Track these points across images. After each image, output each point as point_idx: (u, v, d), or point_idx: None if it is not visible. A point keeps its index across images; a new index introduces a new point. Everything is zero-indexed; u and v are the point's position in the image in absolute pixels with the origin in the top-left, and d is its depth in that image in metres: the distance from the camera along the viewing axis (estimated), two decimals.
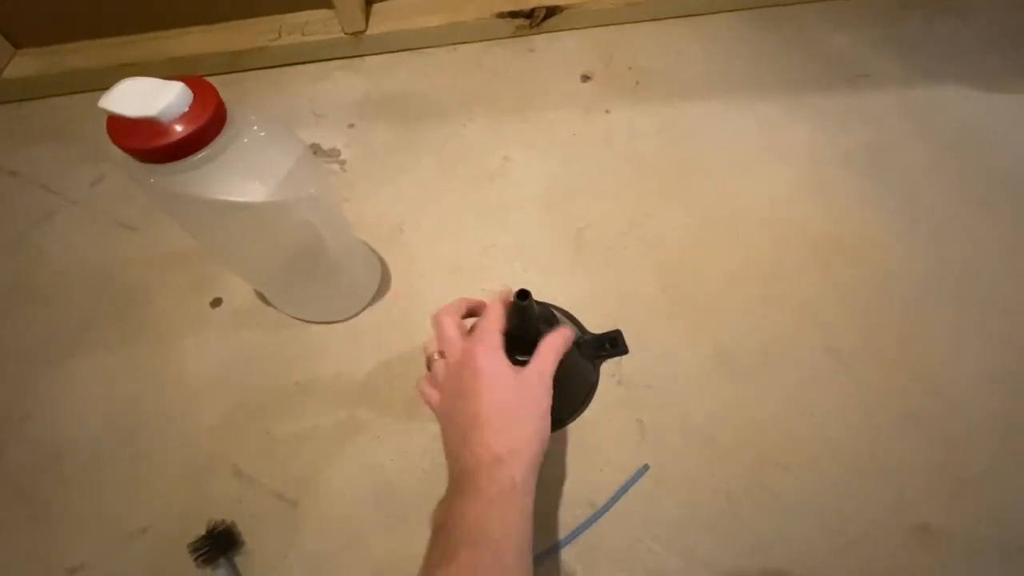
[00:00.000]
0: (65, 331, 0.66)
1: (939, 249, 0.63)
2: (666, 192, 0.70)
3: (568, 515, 0.51)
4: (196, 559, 0.50)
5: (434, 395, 0.45)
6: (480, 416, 0.39)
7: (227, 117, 0.42)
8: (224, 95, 0.42)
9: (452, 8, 0.89)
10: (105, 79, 0.42)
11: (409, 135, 0.80)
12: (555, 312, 0.54)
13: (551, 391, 0.42)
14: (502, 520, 0.37)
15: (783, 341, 0.59)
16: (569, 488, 0.52)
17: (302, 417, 0.58)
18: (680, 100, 0.79)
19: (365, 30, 0.87)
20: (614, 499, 0.51)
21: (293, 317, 0.64)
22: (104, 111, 0.39)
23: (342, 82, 0.88)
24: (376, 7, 0.90)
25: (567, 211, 0.70)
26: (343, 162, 0.77)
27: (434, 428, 0.54)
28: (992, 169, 0.69)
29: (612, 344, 0.59)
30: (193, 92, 0.40)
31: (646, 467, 0.53)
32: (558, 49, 0.88)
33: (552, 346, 0.43)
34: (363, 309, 0.64)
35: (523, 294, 0.44)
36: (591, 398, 0.57)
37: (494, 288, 0.64)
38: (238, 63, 0.89)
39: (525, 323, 0.45)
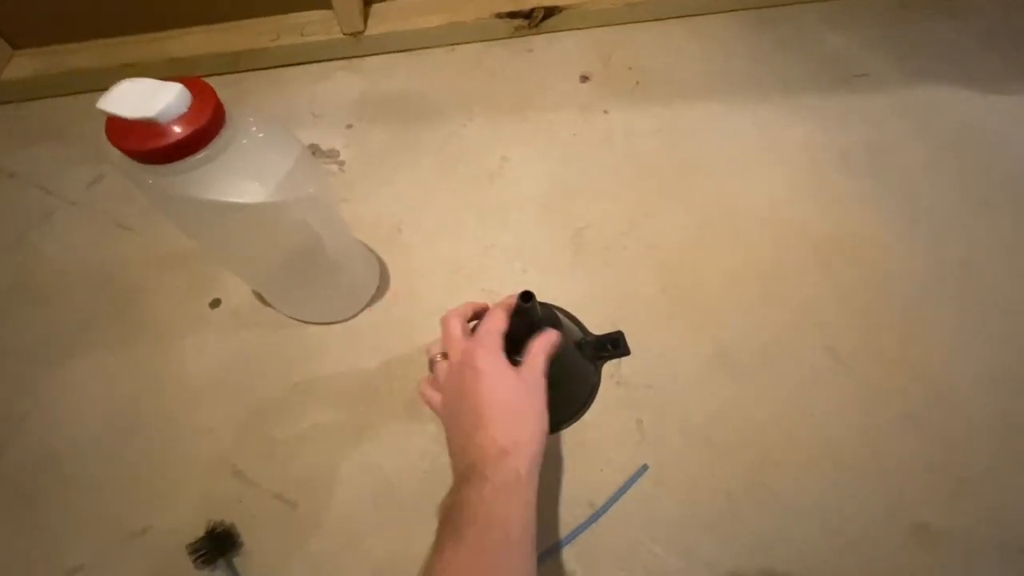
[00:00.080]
0: (64, 331, 0.66)
1: (939, 249, 0.63)
2: (665, 192, 0.70)
3: (568, 515, 0.51)
4: (195, 560, 0.49)
5: (435, 397, 0.46)
6: (484, 414, 0.41)
7: (226, 118, 0.42)
8: (223, 96, 0.42)
9: (451, 8, 0.89)
10: (104, 80, 0.42)
11: (408, 135, 0.80)
12: (558, 314, 0.54)
13: (545, 388, 0.43)
14: (507, 505, 0.38)
15: (783, 341, 0.59)
16: (569, 488, 0.52)
17: (301, 418, 0.58)
18: (679, 100, 0.79)
19: (364, 31, 0.87)
20: (614, 499, 0.51)
21: (292, 318, 0.64)
22: (103, 112, 0.39)
23: (341, 83, 0.88)
24: (375, 8, 0.90)
25: (566, 211, 0.70)
26: (342, 163, 0.77)
27: (433, 429, 0.54)
28: (992, 169, 0.69)
29: (614, 345, 0.59)
30: (192, 93, 0.40)
31: (645, 467, 0.53)
32: (557, 49, 0.88)
33: (541, 346, 0.44)
34: (362, 309, 0.64)
35: (526, 296, 0.44)
36: (593, 399, 0.56)
37: (494, 288, 0.64)
38: (237, 64, 0.89)
39: (528, 325, 0.46)
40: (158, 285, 0.68)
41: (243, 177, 0.43)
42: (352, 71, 0.89)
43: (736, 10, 0.89)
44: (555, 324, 0.48)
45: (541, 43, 0.89)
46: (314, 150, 0.78)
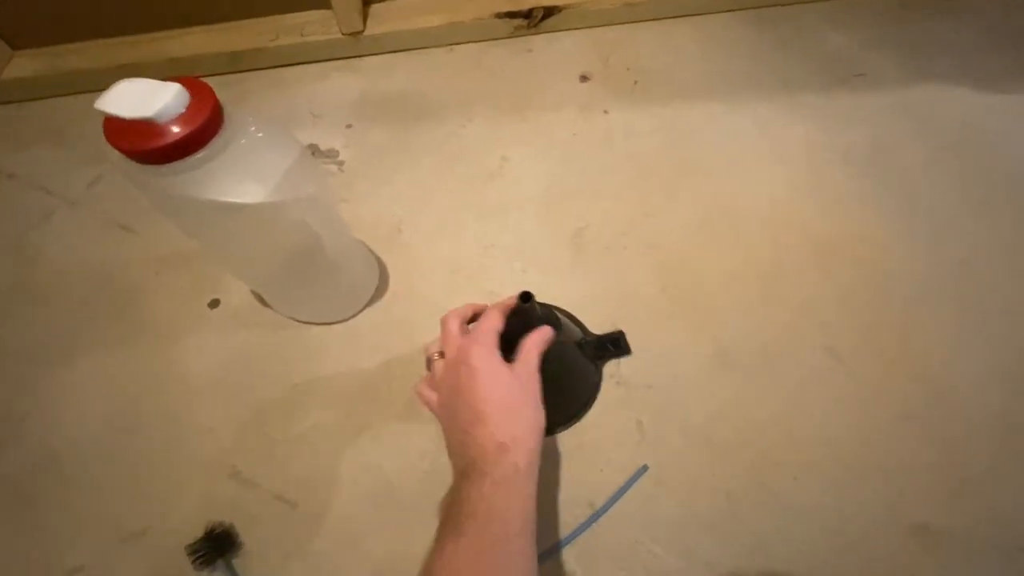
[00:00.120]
0: (64, 332, 0.66)
1: (939, 249, 0.63)
2: (665, 192, 0.70)
3: (568, 515, 0.51)
4: (194, 561, 0.49)
5: (432, 396, 0.47)
6: (480, 411, 0.41)
7: (224, 118, 0.42)
8: (222, 96, 0.42)
9: (450, 8, 0.89)
10: (104, 80, 0.42)
11: (407, 135, 0.80)
12: (558, 314, 0.54)
13: (539, 383, 0.44)
14: (507, 499, 0.39)
15: (783, 341, 0.59)
16: (569, 489, 0.52)
17: (301, 418, 0.58)
18: (679, 100, 0.79)
19: (363, 31, 0.87)
20: (614, 499, 0.51)
21: (291, 318, 0.64)
22: (102, 112, 0.39)
23: (340, 83, 0.87)
24: (374, 8, 0.90)
25: (566, 211, 0.70)
26: (341, 163, 0.77)
27: (433, 429, 0.54)
28: (992, 169, 0.69)
29: (614, 345, 0.59)
30: (190, 93, 0.40)
31: (645, 468, 0.53)
32: (556, 49, 0.88)
33: (534, 342, 0.45)
34: (362, 310, 0.64)
35: (525, 296, 0.45)
36: (594, 398, 0.57)
37: (494, 288, 0.64)
38: (236, 64, 0.89)
39: (525, 325, 0.46)
40: (158, 285, 0.68)
41: (242, 177, 0.43)
42: (351, 71, 0.89)
43: (735, 10, 0.89)
44: (554, 324, 0.48)
45: (540, 43, 0.89)
46: (313, 150, 0.78)
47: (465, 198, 0.72)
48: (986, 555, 0.48)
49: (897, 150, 0.71)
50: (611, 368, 0.58)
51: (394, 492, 0.53)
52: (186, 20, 0.89)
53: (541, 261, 0.66)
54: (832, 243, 0.64)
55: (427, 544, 0.39)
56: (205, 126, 0.40)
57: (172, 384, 0.61)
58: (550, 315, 0.51)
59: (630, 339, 0.59)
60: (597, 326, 0.60)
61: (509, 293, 0.47)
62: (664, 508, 0.51)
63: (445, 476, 0.42)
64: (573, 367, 0.55)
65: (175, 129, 0.39)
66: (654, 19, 0.90)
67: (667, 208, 0.69)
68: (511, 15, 0.88)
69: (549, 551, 0.49)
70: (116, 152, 0.40)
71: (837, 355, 0.57)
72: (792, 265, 0.63)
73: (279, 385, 0.60)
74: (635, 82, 0.82)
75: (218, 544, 0.50)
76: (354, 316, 0.64)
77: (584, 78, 0.84)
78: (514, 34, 0.90)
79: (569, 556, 0.49)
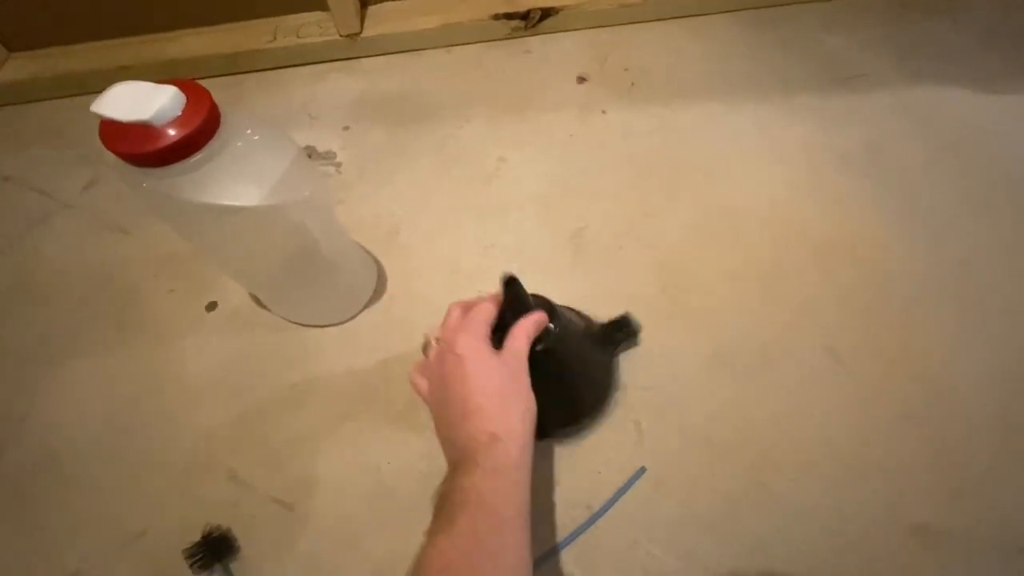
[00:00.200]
0: (62, 333, 0.65)
1: (939, 249, 0.63)
2: (664, 192, 0.70)
3: (566, 517, 0.51)
4: (191, 565, 0.49)
5: (423, 384, 0.47)
6: (470, 400, 0.41)
7: (221, 120, 0.42)
8: (219, 97, 0.42)
9: (447, 10, 0.89)
10: (101, 82, 0.42)
11: (405, 137, 0.79)
12: (556, 305, 0.52)
13: (527, 369, 0.44)
14: (498, 489, 0.39)
15: (782, 341, 0.58)
16: (567, 490, 0.52)
17: (299, 420, 0.58)
18: (677, 101, 0.79)
19: (360, 32, 0.87)
20: (612, 501, 0.51)
21: (289, 320, 0.63)
22: (97, 115, 0.39)
23: (337, 84, 0.87)
24: (371, 9, 0.90)
25: (565, 212, 0.70)
26: (339, 164, 0.77)
27: (432, 430, 0.54)
28: (992, 169, 0.69)
29: (620, 327, 0.58)
30: (186, 96, 0.40)
31: (643, 469, 0.52)
32: (554, 50, 0.88)
33: (523, 328, 0.45)
34: (360, 311, 0.64)
35: (509, 280, 0.45)
36: (609, 393, 0.55)
37: (492, 289, 0.63)
38: (233, 65, 0.89)
39: (517, 312, 0.46)
40: (156, 288, 0.68)
41: (238, 180, 0.43)
42: (349, 72, 0.89)
43: (734, 11, 0.89)
44: (549, 312, 0.48)
45: (538, 44, 0.89)
46: (311, 152, 0.78)
47: (463, 199, 0.72)
48: (986, 555, 0.48)
49: (897, 150, 0.71)
50: None
51: (393, 494, 0.53)
52: (183, 22, 0.89)
53: (540, 261, 0.66)
54: (832, 243, 0.64)
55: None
56: (201, 129, 0.40)
57: (170, 386, 0.61)
58: (546, 305, 0.50)
59: None
60: None
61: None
62: (663, 509, 0.51)
63: (443, 478, 0.42)
64: (584, 357, 0.54)
65: (171, 132, 0.39)
66: (652, 20, 0.90)
67: (666, 208, 0.69)
68: (509, 16, 0.88)
69: (548, 553, 0.49)
70: (112, 155, 0.40)
71: (837, 355, 0.57)
72: (792, 265, 0.63)
73: (277, 387, 0.60)
74: (632, 83, 0.82)
75: (215, 547, 0.50)
76: (352, 318, 0.63)
77: (582, 79, 0.84)
78: (512, 35, 0.90)
79: (568, 558, 0.49)
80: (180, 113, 0.39)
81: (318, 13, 0.89)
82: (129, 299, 0.67)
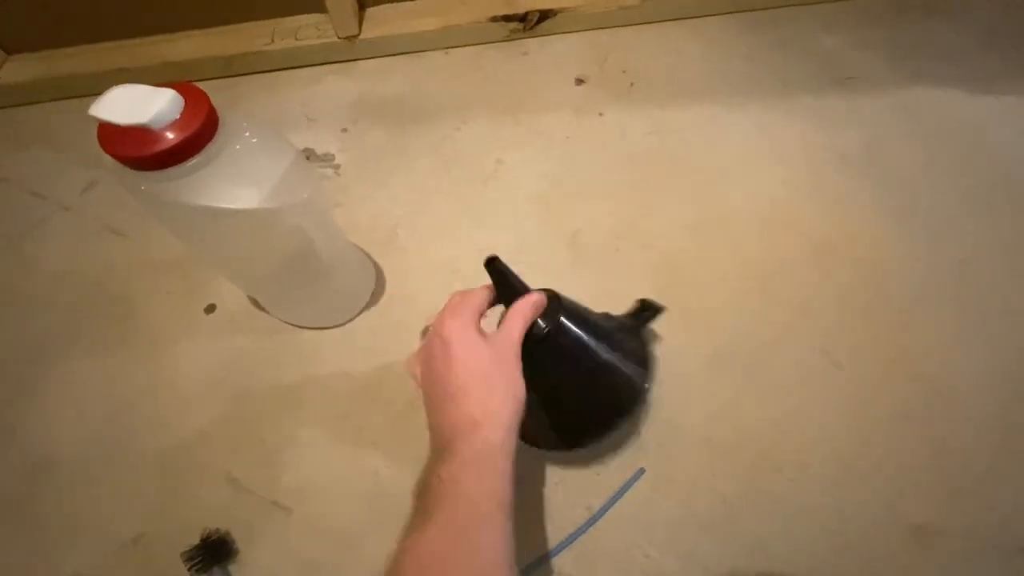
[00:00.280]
0: (59, 336, 0.65)
1: (939, 249, 0.63)
2: (661, 193, 0.70)
3: (564, 520, 0.51)
4: (190, 569, 0.49)
5: (417, 370, 0.45)
6: (453, 384, 0.40)
7: (219, 123, 0.42)
8: (217, 100, 0.42)
9: (445, 12, 0.89)
10: (98, 84, 0.42)
11: (403, 139, 0.79)
12: (563, 297, 0.48)
13: (520, 356, 0.42)
14: (478, 479, 0.37)
15: (782, 341, 0.58)
16: (565, 492, 0.52)
17: (296, 423, 0.58)
18: (675, 102, 0.79)
19: (358, 34, 0.87)
20: (611, 503, 0.51)
21: (287, 323, 0.63)
22: (95, 118, 0.39)
23: (336, 86, 0.87)
24: (369, 11, 0.90)
25: (563, 213, 0.70)
26: (337, 166, 0.77)
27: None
28: (991, 169, 0.69)
29: (644, 308, 0.55)
30: (184, 99, 0.40)
31: (642, 471, 0.52)
32: (552, 52, 0.88)
33: (518, 310, 0.43)
34: (358, 314, 0.64)
35: (490, 260, 0.44)
36: (651, 375, 0.50)
37: None
38: (231, 67, 0.89)
39: (507, 293, 0.45)
40: (153, 291, 0.68)
41: (236, 183, 0.42)
42: (347, 75, 0.89)
43: (731, 12, 0.89)
44: (554, 301, 0.46)
45: (536, 46, 0.89)
46: (309, 154, 0.78)
47: (461, 201, 0.72)
48: (986, 555, 0.48)
49: (896, 150, 0.71)
50: None
51: (391, 496, 0.53)
52: (181, 24, 0.89)
53: (538, 263, 0.66)
54: (831, 243, 0.64)
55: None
56: (199, 132, 0.40)
57: (167, 389, 0.61)
58: (551, 296, 0.47)
59: None
60: None
61: None
62: (663, 510, 0.51)
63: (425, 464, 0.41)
64: (610, 345, 0.49)
65: (169, 135, 0.39)
66: (649, 22, 0.90)
67: (665, 209, 0.69)
68: (507, 18, 0.88)
69: (546, 555, 0.49)
70: (110, 158, 0.40)
71: (836, 355, 0.57)
72: (791, 265, 0.63)
73: (275, 389, 0.60)
74: (631, 84, 0.82)
75: (214, 550, 0.50)
76: (350, 320, 0.63)
77: (580, 81, 0.84)
78: (510, 37, 0.90)
79: (567, 560, 0.49)
80: (178, 116, 0.39)
81: (316, 15, 0.89)
82: (127, 302, 0.67)
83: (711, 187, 0.70)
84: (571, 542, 0.50)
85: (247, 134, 0.44)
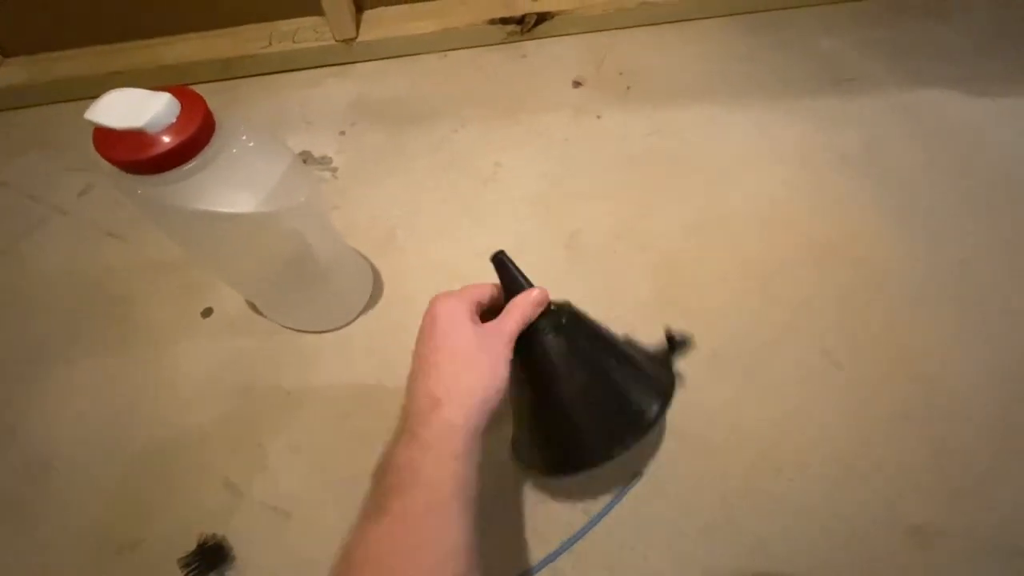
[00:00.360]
0: (56, 340, 0.65)
1: (939, 249, 0.63)
2: (660, 195, 0.70)
3: (562, 524, 0.50)
4: (187, 574, 0.49)
5: None
6: (429, 359, 0.39)
7: (215, 127, 0.42)
8: (214, 103, 0.42)
9: (443, 15, 0.89)
10: (95, 87, 0.42)
11: (401, 141, 0.79)
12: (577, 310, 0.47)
13: (511, 349, 0.41)
14: (437, 464, 0.36)
15: (781, 342, 0.58)
16: (563, 497, 0.52)
17: (295, 427, 0.57)
18: (672, 104, 0.79)
19: (356, 37, 0.87)
20: (609, 506, 0.51)
21: (285, 326, 0.63)
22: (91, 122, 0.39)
23: (333, 89, 0.87)
24: (367, 14, 0.90)
25: (561, 214, 0.70)
26: (334, 169, 0.77)
27: None
28: (991, 169, 0.69)
29: (674, 344, 0.52)
30: (181, 102, 0.40)
31: (639, 474, 0.52)
32: (549, 55, 0.88)
33: (518, 306, 0.42)
34: (356, 317, 0.63)
35: (496, 256, 0.44)
36: (670, 394, 0.46)
37: None
38: (229, 70, 0.89)
39: (509, 288, 0.44)
40: (150, 294, 0.67)
41: (233, 187, 0.42)
42: (344, 77, 0.89)
43: (729, 14, 0.89)
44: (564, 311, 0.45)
45: (533, 48, 0.89)
46: (306, 157, 0.78)
47: (459, 203, 0.72)
48: (986, 555, 0.48)
49: (896, 151, 0.71)
50: None
51: None
52: (178, 27, 0.88)
53: (537, 264, 0.64)
54: (831, 243, 0.64)
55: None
56: (195, 136, 0.40)
57: (164, 393, 0.61)
58: (566, 308, 0.46)
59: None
60: None
61: None
62: (661, 512, 0.51)
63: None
64: (624, 358, 0.47)
65: (165, 139, 0.39)
66: (647, 24, 0.89)
67: (664, 210, 0.69)
68: (504, 21, 0.88)
69: (544, 560, 0.49)
70: (106, 162, 0.40)
71: (836, 355, 0.57)
72: (791, 265, 0.63)
73: (273, 394, 0.59)
74: (628, 87, 0.82)
75: (211, 556, 0.50)
76: (348, 323, 0.63)
77: (577, 83, 0.84)
78: (507, 40, 0.90)
79: (566, 564, 0.49)
80: (174, 120, 0.39)
81: (314, 18, 0.88)
82: (124, 306, 0.67)
83: (711, 187, 0.70)
84: (569, 546, 0.49)
85: (244, 138, 0.43)
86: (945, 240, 0.64)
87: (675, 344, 0.52)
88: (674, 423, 0.55)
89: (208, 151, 0.41)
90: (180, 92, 0.41)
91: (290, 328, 0.63)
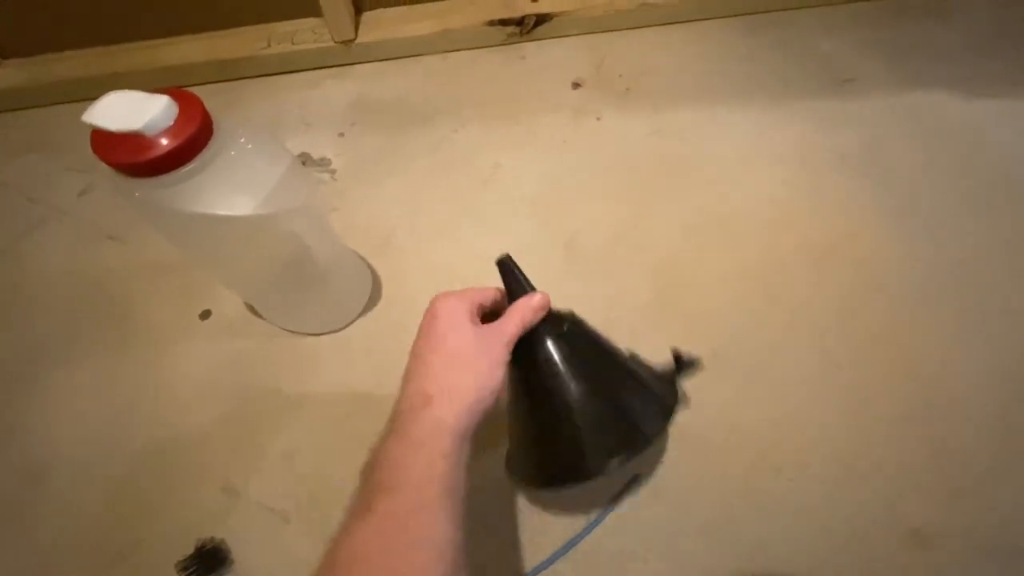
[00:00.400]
0: (53, 342, 0.65)
1: (938, 249, 0.63)
2: (659, 196, 0.70)
3: (561, 528, 0.50)
4: None
5: None
6: (425, 357, 0.40)
7: (214, 129, 0.42)
8: (213, 104, 0.42)
9: (442, 16, 0.89)
10: (94, 89, 0.42)
11: (400, 143, 0.79)
12: (582, 320, 0.47)
13: (508, 352, 0.41)
14: (426, 464, 0.35)
15: (781, 342, 0.58)
16: (561, 500, 0.52)
17: (293, 429, 0.57)
18: (672, 105, 0.79)
19: (355, 38, 0.87)
20: (608, 509, 0.51)
21: (284, 328, 0.63)
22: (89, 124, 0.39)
23: (332, 90, 0.87)
24: (366, 15, 0.90)
25: (560, 216, 0.69)
26: (333, 171, 0.77)
27: None
28: (991, 169, 0.69)
29: (681, 364, 0.51)
30: (179, 105, 0.40)
31: (637, 476, 0.52)
32: (548, 56, 0.88)
33: (518, 310, 0.42)
34: (355, 319, 0.63)
35: (502, 259, 0.44)
36: (667, 417, 0.46)
37: None
38: (227, 72, 0.89)
39: (511, 292, 0.44)
40: (149, 296, 0.67)
41: (231, 189, 0.42)
42: (343, 79, 0.89)
43: (728, 16, 0.89)
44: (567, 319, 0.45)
45: (533, 50, 0.89)
46: (305, 159, 0.78)
47: (458, 204, 0.72)
48: (986, 556, 0.47)
49: (895, 151, 0.71)
50: None
51: None
52: (177, 28, 0.88)
53: (536, 266, 0.64)
54: (831, 244, 0.64)
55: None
56: (193, 138, 0.40)
57: (163, 395, 0.61)
58: (570, 318, 0.46)
59: (624, 342, 0.58)
60: None
61: None
62: (661, 514, 0.50)
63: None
64: (624, 370, 0.47)
65: (163, 142, 0.39)
66: (646, 26, 0.89)
67: (662, 211, 0.69)
68: (503, 22, 0.88)
69: (543, 564, 0.49)
70: (105, 164, 0.40)
71: (836, 356, 0.57)
72: (790, 266, 0.63)
73: (271, 396, 0.59)
74: (627, 88, 0.82)
75: (209, 560, 0.50)
76: (347, 325, 0.63)
77: (576, 85, 0.83)
78: (506, 41, 0.90)
79: (565, 568, 0.49)
80: (172, 123, 0.39)
81: (312, 19, 0.88)
82: (122, 308, 0.67)
83: (710, 188, 0.70)
84: (568, 549, 0.49)
85: (242, 139, 0.43)
86: (945, 240, 0.63)
87: (682, 364, 0.51)
88: (674, 424, 0.54)
89: (206, 153, 0.41)
90: (178, 94, 0.41)
91: (289, 330, 0.63)
